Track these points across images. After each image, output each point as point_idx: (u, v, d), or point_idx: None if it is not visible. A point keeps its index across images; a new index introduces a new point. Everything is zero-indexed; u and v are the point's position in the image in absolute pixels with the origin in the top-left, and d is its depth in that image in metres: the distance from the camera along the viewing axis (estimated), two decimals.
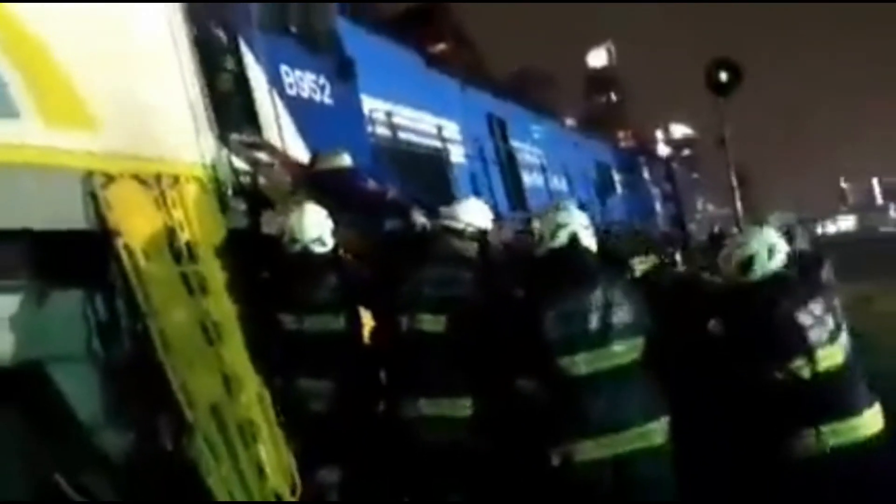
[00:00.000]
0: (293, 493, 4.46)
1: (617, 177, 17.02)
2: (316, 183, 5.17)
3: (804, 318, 3.52)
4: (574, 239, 3.78)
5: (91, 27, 4.22)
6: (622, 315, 3.62)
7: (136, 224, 4.15)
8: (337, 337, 4.44)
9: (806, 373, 3.45)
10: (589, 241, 3.84)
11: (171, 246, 4.35)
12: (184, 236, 4.44)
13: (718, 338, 3.67)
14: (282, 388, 4.55)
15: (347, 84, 6.63)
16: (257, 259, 4.86)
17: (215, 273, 4.57)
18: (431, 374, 3.91)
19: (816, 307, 3.56)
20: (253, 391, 4.51)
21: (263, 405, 4.53)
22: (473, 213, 4.23)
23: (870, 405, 3.51)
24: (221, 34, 5.33)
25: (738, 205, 17.09)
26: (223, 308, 4.54)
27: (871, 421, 3.46)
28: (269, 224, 5.15)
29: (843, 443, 3.38)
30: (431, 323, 3.97)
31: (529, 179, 11.47)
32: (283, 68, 5.88)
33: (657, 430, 3.53)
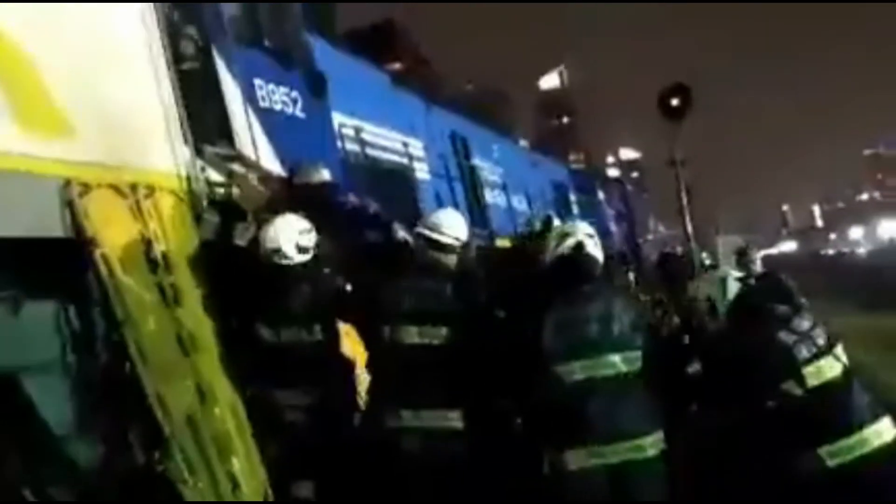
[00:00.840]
0: None
1: (573, 197, 17.28)
2: (297, 197, 5.16)
3: (786, 337, 3.49)
4: (580, 246, 3.88)
5: (69, 36, 4.20)
6: (621, 327, 3.67)
7: (112, 234, 4.13)
8: (313, 349, 4.45)
9: (798, 391, 3.41)
10: (594, 250, 3.92)
11: (147, 256, 4.32)
12: (159, 247, 4.41)
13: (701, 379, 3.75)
14: (257, 400, 4.53)
15: (319, 99, 6.66)
16: (230, 270, 4.83)
17: (190, 284, 4.56)
18: (415, 386, 3.93)
19: (802, 323, 3.54)
20: (227, 403, 4.49)
21: (237, 417, 4.51)
22: (458, 227, 4.28)
23: (874, 419, 3.41)
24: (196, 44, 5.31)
25: (689, 225, 17.49)
26: (198, 319, 4.52)
27: (874, 435, 3.36)
28: (243, 236, 5.14)
29: (846, 461, 3.30)
30: (414, 335, 3.99)
31: (490, 197, 11.62)
32: (257, 81, 5.88)
33: (650, 444, 3.56)
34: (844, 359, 3.53)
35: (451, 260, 4.16)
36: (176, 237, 4.59)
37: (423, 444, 3.89)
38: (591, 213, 17.81)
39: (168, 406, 4.08)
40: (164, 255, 4.43)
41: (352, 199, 5.47)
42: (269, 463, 4.51)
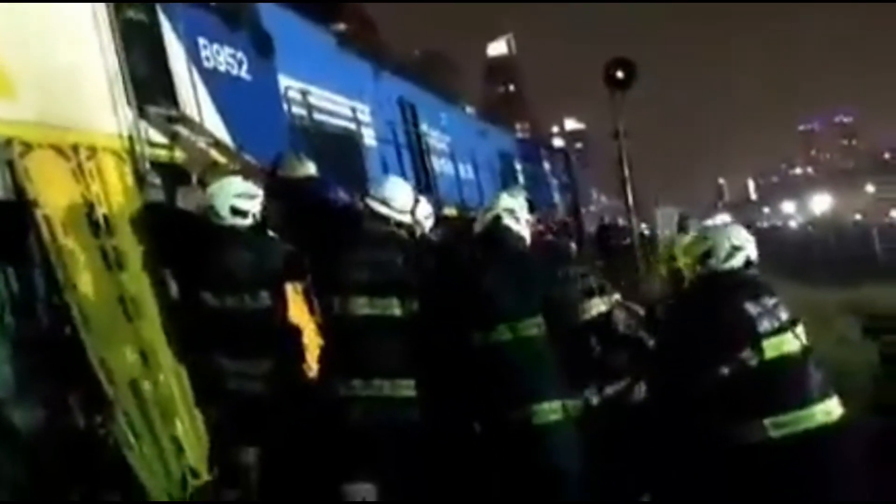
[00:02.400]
0: (211, 470, 4.44)
1: (519, 166, 17.34)
2: (282, 191, 5.00)
3: (752, 309, 3.57)
4: (497, 219, 4.15)
5: None
6: (521, 294, 3.88)
7: (54, 195, 4.05)
8: (258, 315, 4.42)
9: (754, 362, 3.51)
10: (514, 224, 4.15)
11: (90, 218, 4.25)
12: (101, 209, 4.34)
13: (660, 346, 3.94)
14: (200, 366, 4.49)
15: (265, 60, 6.55)
16: (173, 234, 4.76)
17: (133, 247, 4.49)
18: (365, 356, 3.97)
19: (768, 300, 3.62)
20: (170, 368, 4.47)
21: (181, 382, 4.49)
22: (406, 199, 4.31)
23: (823, 397, 3.50)
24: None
25: (630, 196, 17.80)
26: (141, 283, 4.47)
27: (821, 412, 3.46)
28: (186, 199, 5.06)
29: (789, 433, 3.40)
30: (364, 305, 4.02)
31: (438, 165, 11.61)
32: (202, 41, 5.75)
33: (549, 409, 3.78)
34: (804, 338, 3.63)
35: (402, 231, 4.22)
36: (118, 199, 4.52)
37: (373, 413, 3.94)
38: (536, 182, 17.94)
39: (111, 370, 4.06)
40: (107, 218, 4.36)
41: (342, 195, 5.19)
42: (214, 429, 4.50)
